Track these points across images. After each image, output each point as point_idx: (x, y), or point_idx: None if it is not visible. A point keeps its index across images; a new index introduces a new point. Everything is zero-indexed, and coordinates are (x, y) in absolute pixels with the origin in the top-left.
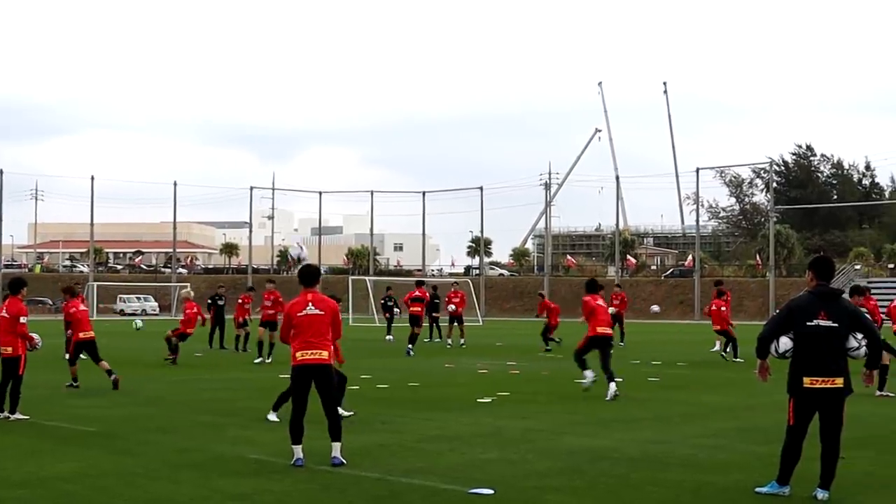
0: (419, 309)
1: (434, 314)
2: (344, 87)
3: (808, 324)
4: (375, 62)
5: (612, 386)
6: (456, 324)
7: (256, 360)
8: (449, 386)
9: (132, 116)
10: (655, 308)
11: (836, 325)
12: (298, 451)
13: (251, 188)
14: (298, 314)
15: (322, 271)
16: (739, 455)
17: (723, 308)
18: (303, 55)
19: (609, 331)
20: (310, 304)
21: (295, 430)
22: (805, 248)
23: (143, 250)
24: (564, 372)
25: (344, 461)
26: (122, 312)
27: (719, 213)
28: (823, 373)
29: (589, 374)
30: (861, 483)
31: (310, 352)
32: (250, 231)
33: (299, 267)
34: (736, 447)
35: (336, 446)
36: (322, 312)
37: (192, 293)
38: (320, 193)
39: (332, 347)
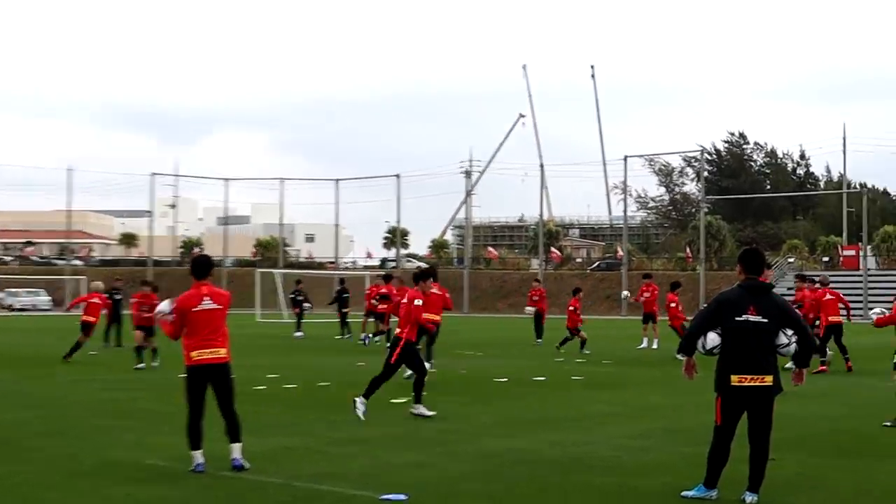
0: (386, 307)
1: (344, 310)
2: (252, 66)
3: (737, 319)
4: (286, 39)
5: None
6: (372, 319)
7: (139, 366)
8: (361, 386)
9: (20, 96)
10: (626, 293)
11: (765, 320)
12: (198, 456)
13: (152, 174)
14: (193, 309)
15: (229, 263)
16: (665, 457)
17: (672, 304)
18: (207, 30)
19: (435, 317)
20: (205, 297)
21: (193, 434)
22: (737, 241)
23: (34, 241)
24: (483, 370)
25: (246, 465)
26: (10, 308)
27: (648, 203)
28: (752, 370)
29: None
30: (791, 485)
31: (207, 350)
32: (151, 220)
33: (192, 257)
34: (662, 448)
35: (236, 447)
36: (220, 307)
37: (102, 285)
38: (226, 180)
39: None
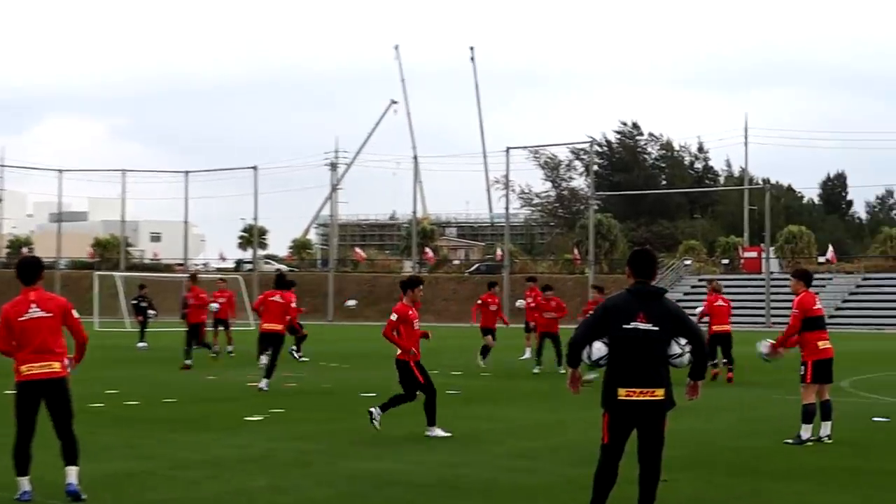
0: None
1: (146, 314)
2: (87, 42)
3: (625, 327)
4: (125, 11)
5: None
6: (222, 328)
7: None
8: (211, 402)
9: None
10: (351, 303)
11: (656, 328)
12: (25, 482)
13: None
14: (19, 319)
15: (63, 265)
16: (548, 478)
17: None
18: (36, 2)
19: (276, 327)
20: (33, 305)
21: (20, 458)
22: (629, 241)
23: None
24: (349, 384)
25: (82, 494)
26: None
27: (532, 199)
28: (641, 383)
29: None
30: None
31: (38, 364)
32: None
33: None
34: (545, 469)
35: (72, 471)
36: (50, 314)
37: None
38: (60, 172)
39: (66, 355)
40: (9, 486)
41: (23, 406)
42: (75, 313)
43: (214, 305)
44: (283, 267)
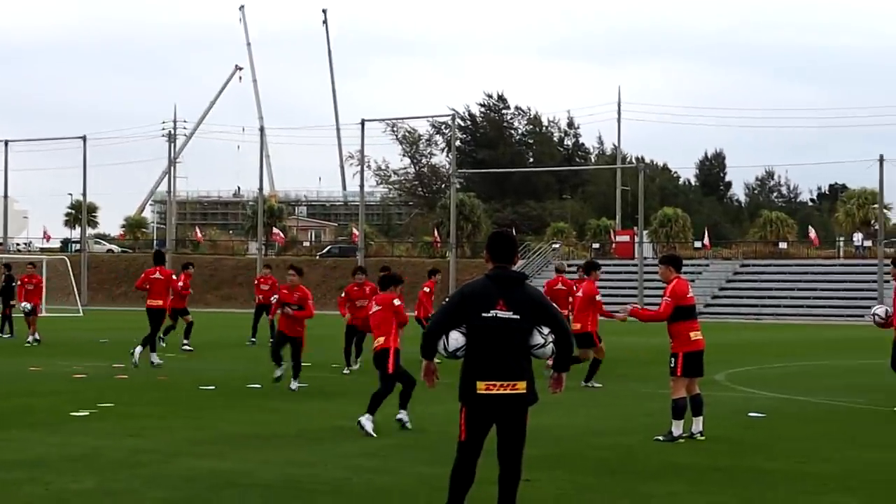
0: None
1: (11, 302)
2: None
3: (484, 315)
4: None
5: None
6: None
7: None
8: (33, 395)
9: None
10: None
11: (517, 316)
12: None
13: None
14: None
15: None
16: (401, 478)
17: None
18: None
19: (158, 302)
20: None
21: None
22: (494, 222)
23: None
24: (186, 377)
25: None
26: None
27: (390, 176)
28: (501, 375)
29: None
30: None
31: None
32: None
33: None
34: (398, 469)
35: None
36: None
37: None
38: None
39: None
40: None
41: None
42: None
43: (26, 305)
44: (115, 247)
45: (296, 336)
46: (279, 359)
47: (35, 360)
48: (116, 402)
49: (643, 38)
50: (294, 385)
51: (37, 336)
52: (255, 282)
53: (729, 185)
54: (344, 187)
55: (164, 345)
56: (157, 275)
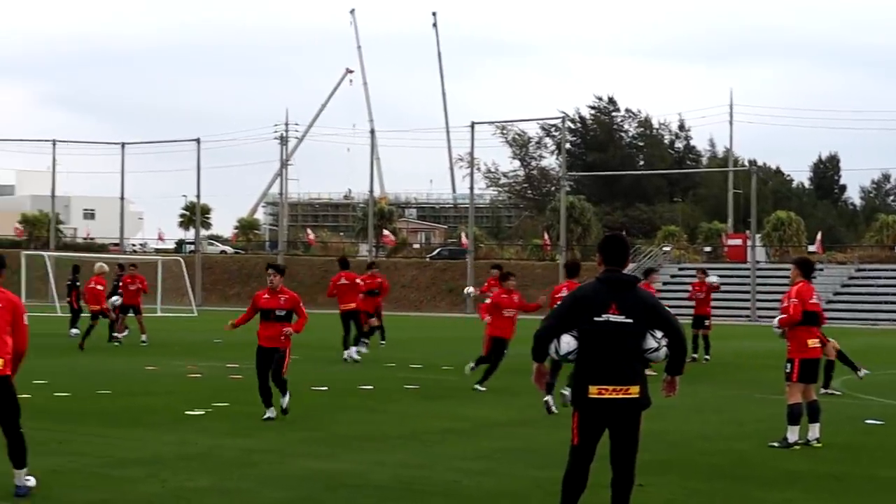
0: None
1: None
2: None
3: (596, 319)
4: None
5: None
6: (132, 314)
7: None
8: (150, 395)
9: None
10: (470, 290)
11: (629, 320)
12: None
13: None
14: None
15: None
16: (513, 481)
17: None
18: None
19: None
20: None
21: None
22: (604, 225)
23: None
24: (299, 377)
25: (31, 485)
26: None
27: (499, 179)
28: (614, 380)
29: None
30: None
31: None
32: None
33: None
34: (509, 472)
35: (20, 473)
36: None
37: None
38: None
39: (9, 354)
40: None
41: None
42: (26, 319)
43: (116, 299)
44: (228, 248)
45: (278, 347)
46: (269, 398)
47: (150, 360)
48: (231, 402)
49: (756, 39)
50: (285, 402)
51: (143, 337)
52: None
53: (844, 188)
54: (454, 190)
55: (367, 350)
56: (343, 280)
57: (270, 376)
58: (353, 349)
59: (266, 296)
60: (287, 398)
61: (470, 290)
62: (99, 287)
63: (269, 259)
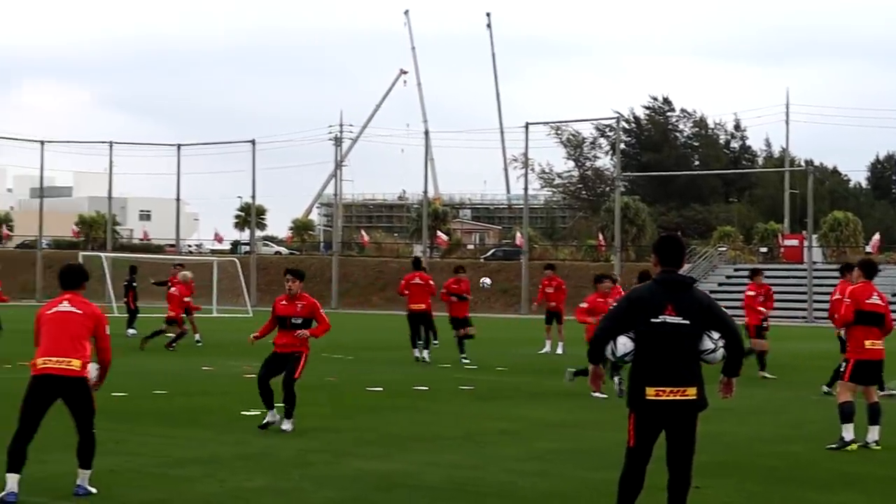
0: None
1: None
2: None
3: (653, 320)
4: None
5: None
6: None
7: None
8: (206, 395)
9: None
10: (487, 281)
11: (686, 321)
12: (13, 481)
13: None
14: (47, 313)
15: (45, 244)
16: (568, 483)
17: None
18: None
19: (421, 306)
20: (64, 301)
21: (14, 454)
22: (659, 226)
23: None
24: (354, 378)
25: (92, 490)
26: None
27: (554, 180)
28: (671, 381)
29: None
30: None
31: (55, 359)
32: None
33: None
34: (564, 473)
35: (84, 474)
36: (79, 311)
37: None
38: (42, 143)
39: (88, 360)
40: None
41: (31, 401)
42: (108, 329)
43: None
44: (283, 249)
45: (293, 352)
46: (270, 398)
47: (207, 361)
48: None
49: (812, 38)
50: (287, 426)
51: (197, 337)
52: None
53: None
54: (508, 190)
55: (437, 344)
56: (417, 280)
57: (282, 381)
58: (426, 351)
59: (283, 302)
60: (290, 424)
61: (486, 280)
62: (177, 293)
63: (323, 260)
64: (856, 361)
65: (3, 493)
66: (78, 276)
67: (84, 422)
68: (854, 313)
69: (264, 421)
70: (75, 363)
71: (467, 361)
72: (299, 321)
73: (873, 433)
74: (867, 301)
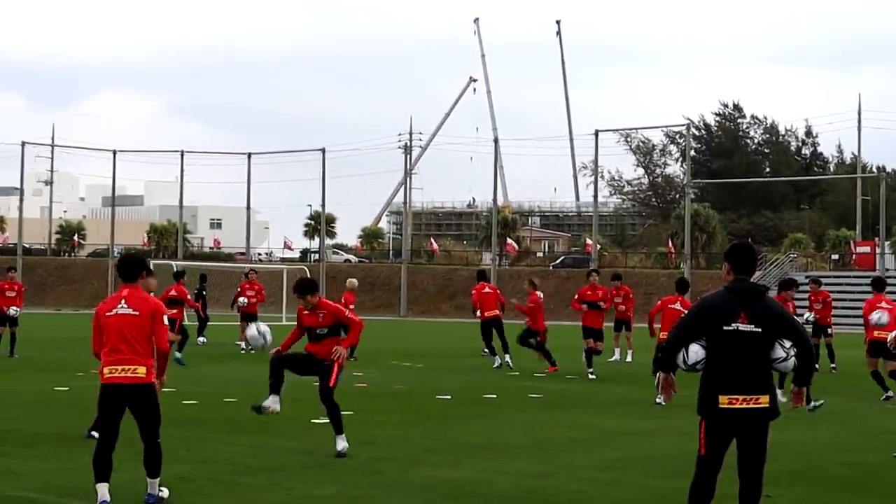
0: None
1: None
2: (142, 12)
3: (725, 328)
4: None
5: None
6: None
7: None
8: None
9: None
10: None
11: (759, 329)
12: (104, 490)
13: (22, 143)
14: (107, 314)
15: (117, 252)
16: (638, 491)
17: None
18: None
19: (495, 312)
20: (122, 301)
21: (100, 464)
22: (729, 233)
23: None
24: (423, 386)
25: (164, 497)
26: None
27: (623, 187)
28: (743, 390)
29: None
30: None
31: (120, 368)
32: (21, 199)
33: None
34: (634, 482)
35: (153, 483)
36: (136, 313)
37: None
38: (114, 152)
39: (153, 362)
40: (54, 488)
41: (104, 410)
42: (165, 319)
43: (243, 300)
44: (352, 258)
45: (324, 359)
46: (277, 383)
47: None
48: (355, 410)
49: (884, 42)
50: (341, 445)
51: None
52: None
53: None
54: (577, 198)
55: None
56: (487, 289)
57: (318, 394)
58: (507, 356)
59: (306, 311)
60: (343, 441)
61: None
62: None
63: (392, 268)
64: None
65: (98, 502)
66: (136, 266)
67: (150, 430)
68: None
69: (259, 405)
70: (140, 370)
71: (594, 377)
72: (325, 331)
73: None
74: None
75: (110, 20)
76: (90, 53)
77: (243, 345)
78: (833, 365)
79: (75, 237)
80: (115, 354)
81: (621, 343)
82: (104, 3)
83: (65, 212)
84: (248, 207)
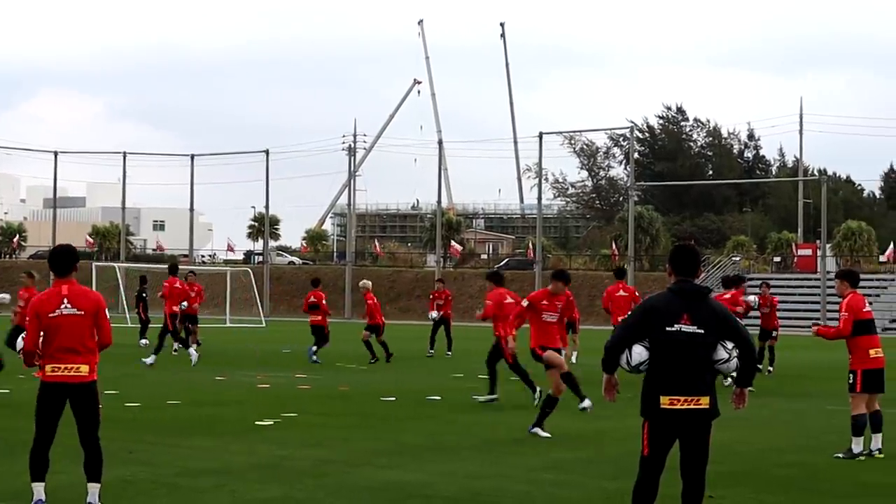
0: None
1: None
2: (82, 11)
3: (668, 329)
4: None
5: None
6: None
7: None
8: (219, 405)
9: None
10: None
11: (701, 331)
12: (40, 490)
13: None
14: (49, 315)
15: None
16: (583, 492)
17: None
18: None
19: None
20: (65, 300)
21: (37, 462)
22: (673, 236)
23: None
24: (367, 387)
25: None
26: None
27: (567, 189)
28: (685, 391)
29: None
30: None
31: (63, 366)
32: None
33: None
34: (580, 483)
35: (93, 488)
36: (82, 312)
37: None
38: (56, 153)
39: (96, 359)
40: (17, 493)
41: (44, 408)
42: (107, 313)
43: (184, 303)
44: (297, 259)
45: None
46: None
47: (220, 371)
48: (299, 412)
49: (826, 47)
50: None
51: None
52: (431, 296)
53: None
54: (521, 200)
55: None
56: (509, 299)
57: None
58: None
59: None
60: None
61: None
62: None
63: (336, 270)
64: (863, 371)
65: (33, 501)
66: (69, 259)
67: (90, 430)
68: (853, 324)
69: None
70: (84, 369)
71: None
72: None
73: (877, 441)
74: (864, 310)
75: (51, 20)
76: (31, 54)
77: (176, 345)
78: (770, 368)
79: (16, 239)
80: (59, 353)
81: (579, 346)
82: (45, 3)
83: (5, 213)
84: (192, 209)
